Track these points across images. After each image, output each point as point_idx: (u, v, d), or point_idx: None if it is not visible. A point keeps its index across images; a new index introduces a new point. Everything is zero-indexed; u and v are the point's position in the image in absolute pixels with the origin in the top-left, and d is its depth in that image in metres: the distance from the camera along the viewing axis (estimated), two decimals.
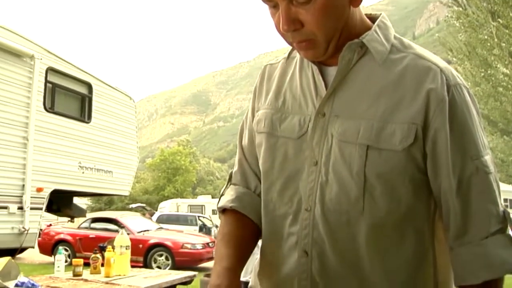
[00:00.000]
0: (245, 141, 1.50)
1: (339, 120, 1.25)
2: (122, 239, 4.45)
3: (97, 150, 10.19)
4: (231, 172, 1.54)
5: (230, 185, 1.52)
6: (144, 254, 13.56)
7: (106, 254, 4.34)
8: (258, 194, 1.44)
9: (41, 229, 9.91)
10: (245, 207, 1.43)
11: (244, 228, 1.43)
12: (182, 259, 13.28)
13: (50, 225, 16.53)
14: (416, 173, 1.21)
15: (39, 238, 12.26)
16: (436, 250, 1.28)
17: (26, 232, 8.22)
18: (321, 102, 1.28)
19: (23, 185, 8.32)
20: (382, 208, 1.20)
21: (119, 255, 4.38)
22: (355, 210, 1.21)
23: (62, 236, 14.65)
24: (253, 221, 1.42)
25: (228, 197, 1.47)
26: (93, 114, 10.12)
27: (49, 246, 14.50)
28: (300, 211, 1.28)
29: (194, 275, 4.59)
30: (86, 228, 14.63)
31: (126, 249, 4.44)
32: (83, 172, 9.78)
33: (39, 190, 8.62)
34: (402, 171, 1.20)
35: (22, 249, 9.23)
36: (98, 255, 4.52)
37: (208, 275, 5.65)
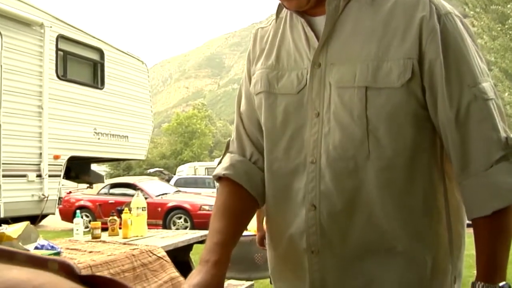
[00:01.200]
0: (243, 107, 1.51)
1: (335, 67, 1.25)
2: (138, 201, 4.51)
3: (112, 116, 10.23)
4: (228, 141, 1.54)
5: (227, 153, 1.52)
6: (163, 217, 13.72)
7: (123, 216, 4.40)
8: (254, 162, 1.45)
9: (60, 197, 10.05)
10: (238, 175, 1.43)
11: (238, 199, 1.43)
12: (200, 221, 13.41)
13: (70, 192, 16.73)
14: (418, 109, 1.21)
15: (60, 206, 12.47)
16: (448, 188, 1.27)
17: (45, 199, 8.37)
18: (315, 53, 1.28)
19: (40, 153, 8.43)
20: (388, 149, 1.20)
21: (135, 216, 4.44)
22: (361, 155, 1.21)
23: (82, 202, 14.86)
24: (247, 190, 1.42)
25: (223, 165, 1.47)
26: (106, 80, 10.14)
27: (70, 212, 14.62)
28: (305, 165, 1.28)
29: None
30: (105, 194, 14.82)
31: (143, 210, 4.50)
32: (98, 138, 9.86)
33: (56, 157, 8.73)
34: (404, 108, 1.19)
35: (43, 216, 9.40)
36: (116, 218, 4.59)
37: None
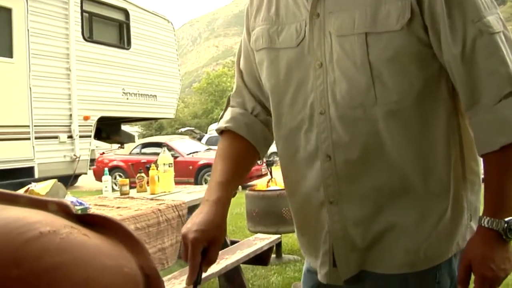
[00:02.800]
0: (243, 63, 1.50)
1: (333, 16, 1.23)
2: (164, 158, 4.56)
3: (140, 76, 10.29)
4: (229, 96, 1.55)
5: (228, 107, 1.53)
6: (195, 175, 13.87)
7: (150, 172, 4.45)
8: (256, 115, 1.46)
9: (94, 158, 10.22)
10: (239, 127, 1.45)
11: (239, 146, 1.45)
12: None
13: (103, 153, 17.01)
14: (422, 49, 1.18)
15: (94, 166, 12.68)
16: (461, 125, 1.26)
17: (77, 159, 8.55)
18: (312, 3, 1.26)
19: (70, 115, 8.57)
20: (394, 93, 1.18)
21: (162, 172, 4.49)
22: (368, 102, 1.19)
23: (115, 163, 15.11)
24: (248, 141, 1.44)
25: (224, 118, 1.48)
26: (132, 40, 10.16)
27: (103, 172, 14.97)
28: (314, 117, 1.27)
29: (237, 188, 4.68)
30: (137, 153, 15.03)
31: (169, 166, 4.54)
32: (127, 98, 9.95)
33: (86, 118, 8.87)
34: (407, 50, 1.17)
35: (76, 176, 9.60)
36: (143, 174, 4.66)
37: (253, 189, 5.78)
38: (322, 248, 1.33)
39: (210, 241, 1.27)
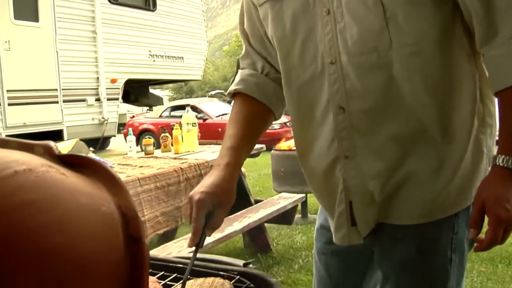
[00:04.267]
0: (246, 24, 1.45)
1: None
2: (188, 117, 4.53)
3: (166, 37, 10.28)
4: (238, 59, 1.50)
5: (238, 70, 1.49)
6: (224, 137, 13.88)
7: (174, 132, 4.44)
8: (266, 74, 1.42)
9: (123, 123, 10.32)
10: (250, 88, 1.41)
11: (250, 107, 1.41)
12: (260, 139, 13.50)
13: (133, 116, 17.14)
14: None
15: (124, 130, 12.82)
16: (478, 65, 1.20)
17: (105, 122, 8.64)
18: None
19: (98, 78, 8.64)
20: (410, 35, 1.12)
21: (186, 132, 4.47)
22: (382, 45, 1.13)
23: (145, 126, 15.20)
24: (260, 101, 1.40)
25: (235, 81, 1.45)
26: (158, 1, 10.12)
27: (134, 135, 15.11)
28: (324, 68, 1.22)
29: (262, 148, 4.65)
30: (166, 116, 15.09)
31: (193, 126, 4.51)
32: (154, 60, 9.96)
33: (113, 81, 8.93)
34: None
35: (106, 139, 9.72)
36: (167, 134, 4.65)
37: (278, 149, 5.75)
38: (337, 209, 1.28)
39: (216, 205, 1.23)
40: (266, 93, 1.40)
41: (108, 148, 14.22)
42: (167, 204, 3.40)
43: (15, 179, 0.51)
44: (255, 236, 4.43)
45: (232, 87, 1.44)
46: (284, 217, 4.46)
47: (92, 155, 3.52)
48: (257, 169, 9.39)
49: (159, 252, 2.89)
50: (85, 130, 8.24)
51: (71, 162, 0.61)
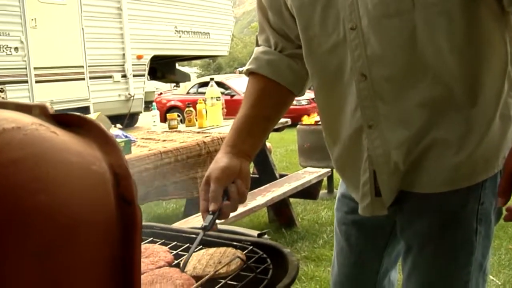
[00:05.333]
0: None
1: None
2: (212, 91, 4.50)
3: (192, 13, 10.23)
4: (256, 35, 1.46)
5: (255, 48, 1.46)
6: None
7: (198, 106, 4.42)
8: (280, 50, 1.38)
9: (150, 100, 10.33)
10: (261, 66, 1.37)
11: (262, 87, 1.37)
12: (288, 115, 13.35)
13: (161, 93, 17.19)
14: None
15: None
16: (508, 31, 1.15)
17: (132, 98, 8.67)
18: None
19: (123, 54, 8.65)
20: None
21: (210, 106, 4.45)
22: (405, 6, 1.08)
23: (172, 103, 15.24)
24: (274, 80, 1.36)
25: (249, 60, 1.42)
26: None
27: (162, 113, 15.14)
28: (346, 34, 1.16)
29: (286, 122, 4.61)
30: (194, 93, 15.09)
31: (217, 100, 4.49)
32: (180, 36, 9.93)
33: (139, 57, 8.93)
34: None
35: (134, 115, 9.76)
36: (191, 109, 4.63)
37: (304, 123, 5.70)
38: (362, 179, 1.24)
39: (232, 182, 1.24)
40: (278, 71, 1.36)
41: (136, 125, 14.30)
42: (182, 175, 3.41)
43: (2, 137, 0.49)
44: (280, 210, 4.42)
45: (246, 67, 1.41)
46: (309, 192, 4.43)
47: (116, 130, 3.52)
48: (285, 145, 9.36)
49: (181, 225, 2.88)
50: (112, 107, 8.27)
51: (65, 121, 0.58)
